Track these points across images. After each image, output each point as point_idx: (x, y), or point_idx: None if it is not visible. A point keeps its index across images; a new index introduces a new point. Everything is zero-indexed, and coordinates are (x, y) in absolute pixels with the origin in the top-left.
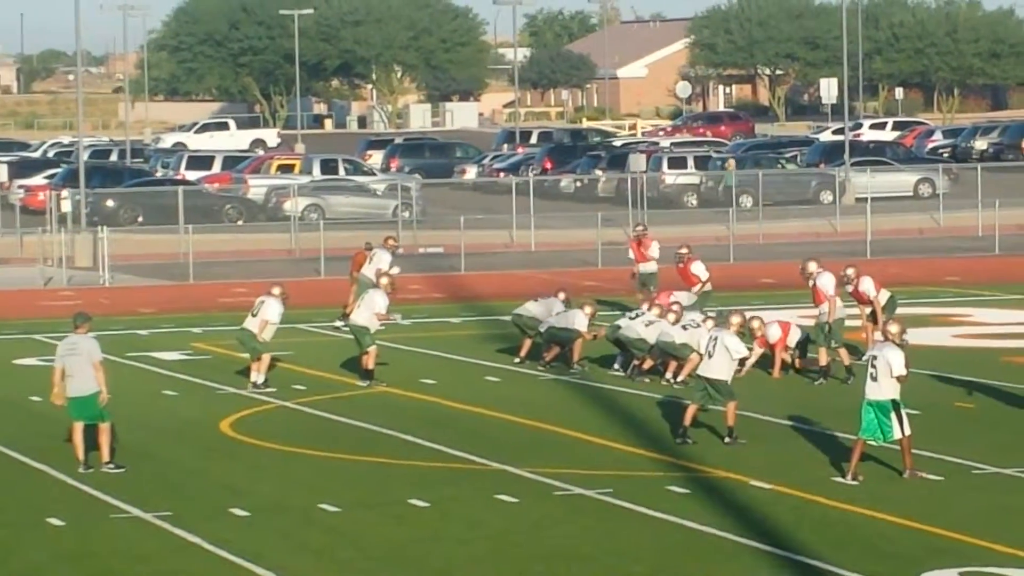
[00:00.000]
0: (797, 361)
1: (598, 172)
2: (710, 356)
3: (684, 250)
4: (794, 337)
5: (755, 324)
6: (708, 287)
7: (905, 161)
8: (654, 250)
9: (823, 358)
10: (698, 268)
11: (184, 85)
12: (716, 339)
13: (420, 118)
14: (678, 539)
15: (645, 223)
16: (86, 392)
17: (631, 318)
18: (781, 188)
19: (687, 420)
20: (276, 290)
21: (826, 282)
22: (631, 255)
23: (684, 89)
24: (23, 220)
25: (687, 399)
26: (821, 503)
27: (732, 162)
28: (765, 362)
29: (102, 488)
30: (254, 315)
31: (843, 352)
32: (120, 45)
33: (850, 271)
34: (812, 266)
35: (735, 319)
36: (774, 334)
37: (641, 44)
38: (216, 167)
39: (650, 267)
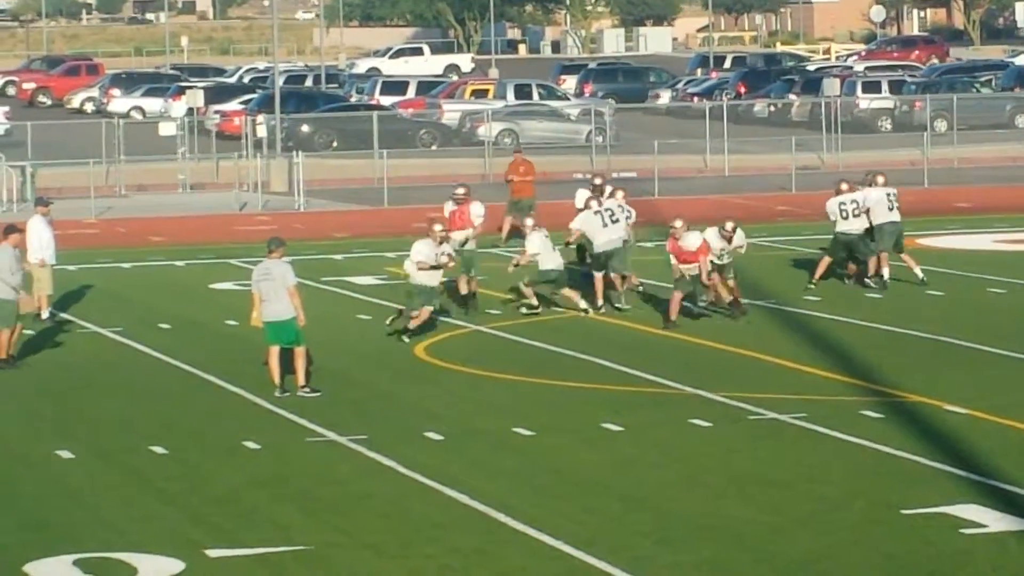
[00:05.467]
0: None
1: (792, 96)
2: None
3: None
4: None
5: (677, 224)
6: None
7: None
8: None
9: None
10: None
11: (378, 10)
12: None
13: (613, 43)
14: (872, 463)
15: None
16: (281, 316)
17: None
18: (976, 112)
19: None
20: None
21: None
22: None
23: (878, 13)
24: (219, 145)
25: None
26: (1016, 428)
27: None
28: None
29: (298, 412)
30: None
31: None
32: None
33: None
34: None
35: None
36: (693, 242)
37: None
38: (410, 92)
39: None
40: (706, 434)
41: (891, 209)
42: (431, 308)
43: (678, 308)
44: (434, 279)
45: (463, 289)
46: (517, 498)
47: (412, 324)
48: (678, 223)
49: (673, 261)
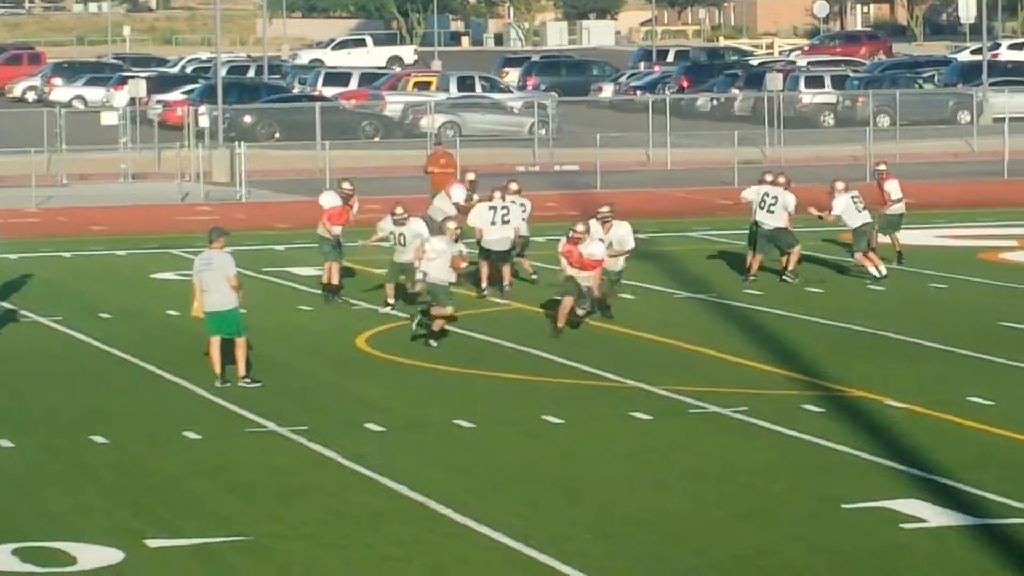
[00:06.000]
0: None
1: (735, 91)
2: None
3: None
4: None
5: (580, 228)
6: None
7: None
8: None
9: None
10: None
11: (322, 1)
12: None
13: (557, 36)
14: (813, 458)
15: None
16: (222, 307)
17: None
18: (918, 108)
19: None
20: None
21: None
22: None
23: (822, 8)
24: (161, 135)
25: None
26: (956, 423)
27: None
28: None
29: (238, 402)
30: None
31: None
32: None
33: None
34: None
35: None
36: (598, 250)
37: None
38: (353, 84)
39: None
40: (647, 427)
41: (860, 211)
42: (452, 308)
43: (567, 315)
44: (450, 276)
45: (334, 279)
46: (458, 489)
47: (436, 326)
48: (580, 227)
49: (565, 263)
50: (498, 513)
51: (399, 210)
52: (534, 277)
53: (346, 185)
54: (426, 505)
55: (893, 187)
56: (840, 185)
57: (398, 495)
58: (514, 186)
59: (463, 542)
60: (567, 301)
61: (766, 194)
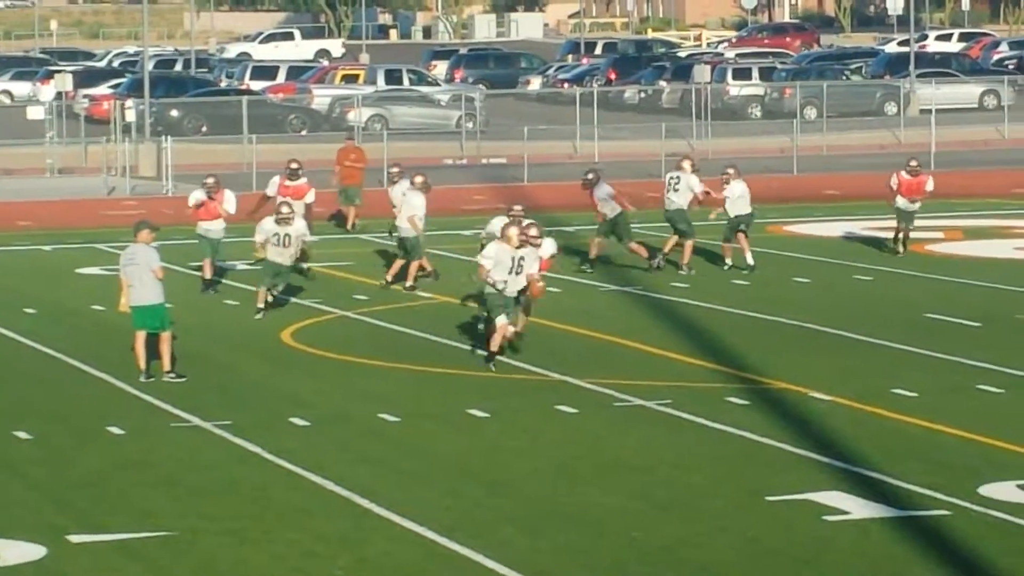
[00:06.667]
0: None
1: (662, 83)
2: None
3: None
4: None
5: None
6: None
7: (971, 73)
8: None
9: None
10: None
11: None
12: None
13: (485, 28)
14: (736, 450)
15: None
16: (147, 301)
17: None
18: (845, 99)
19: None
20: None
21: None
22: None
23: (749, 0)
24: (87, 129)
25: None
26: (879, 414)
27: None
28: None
29: (163, 397)
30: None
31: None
32: None
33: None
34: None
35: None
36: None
37: None
38: (280, 77)
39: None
40: (572, 420)
41: (743, 203)
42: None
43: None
44: (516, 285)
45: (207, 274)
46: (382, 484)
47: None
48: (533, 230)
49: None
50: (423, 507)
51: (285, 209)
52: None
53: (209, 180)
54: (351, 500)
55: (927, 184)
56: (732, 171)
57: (323, 490)
58: (419, 179)
59: (388, 537)
60: (501, 323)
61: (672, 176)
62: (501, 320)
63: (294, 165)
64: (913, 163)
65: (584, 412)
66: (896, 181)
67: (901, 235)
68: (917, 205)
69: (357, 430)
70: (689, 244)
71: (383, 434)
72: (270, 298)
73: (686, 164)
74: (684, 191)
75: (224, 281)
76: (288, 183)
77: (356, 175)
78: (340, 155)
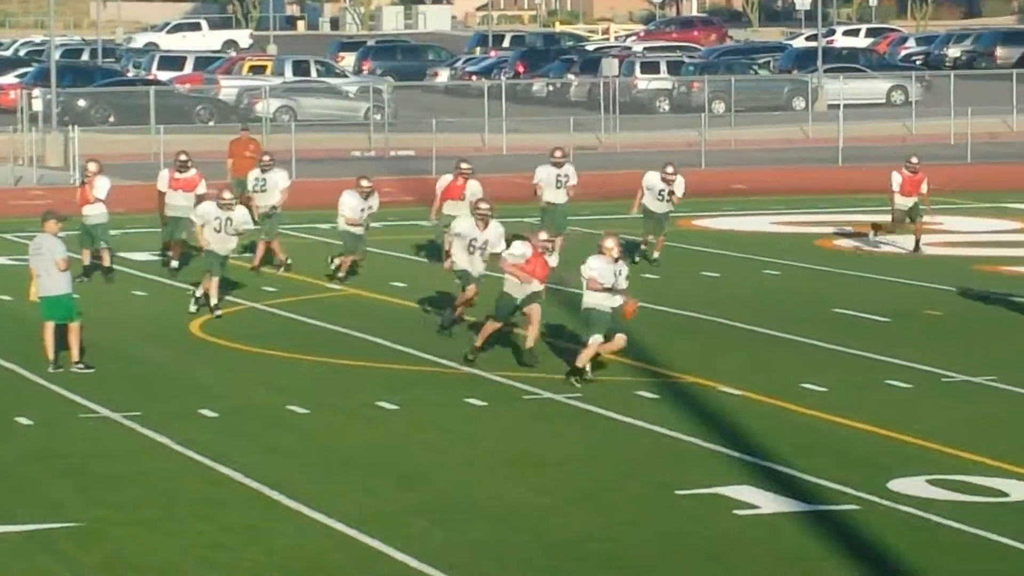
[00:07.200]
0: None
1: (570, 76)
2: None
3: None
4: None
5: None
6: None
7: (878, 68)
8: None
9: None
10: None
11: None
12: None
13: (393, 20)
14: (646, 444)
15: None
16: (55, 292)
17: None
18: (753, 94)
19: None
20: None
21: None
22: None
23: None
24: None
25: None
26: (789, 409)
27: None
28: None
29: (71, 388)
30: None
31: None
32: None
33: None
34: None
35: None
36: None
37: None
38: (188, 67)
39: None
40: (481, 413)
41: (663, 200)
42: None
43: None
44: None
45: (86, 260)
46: (291, 476)
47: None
48: (543, 235)
49: (515, 276)
50: (332, 499)
51: (227, 195)
52: (289, 262)
53: (91, 166)
54: (259, 492)
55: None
56: (670, 169)
57: (231, 481)
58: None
59: (297, 529)
60: (492, 325)
61: (559, 174)
62: (596, 339)
63: (183, 157)
64: (913, 160)
65: (494, 405)
66: (899, 180)
67: (914, 235)
68: (913, 200)
69: (266, 422)
70: (560, 240)
71: (292, 426)
72: (212, 293)
73: (559, 154)
74: (565, 188)
75: (131, 272)
76: (178, 175)
77: (250, 165)
78: (235, 147)
